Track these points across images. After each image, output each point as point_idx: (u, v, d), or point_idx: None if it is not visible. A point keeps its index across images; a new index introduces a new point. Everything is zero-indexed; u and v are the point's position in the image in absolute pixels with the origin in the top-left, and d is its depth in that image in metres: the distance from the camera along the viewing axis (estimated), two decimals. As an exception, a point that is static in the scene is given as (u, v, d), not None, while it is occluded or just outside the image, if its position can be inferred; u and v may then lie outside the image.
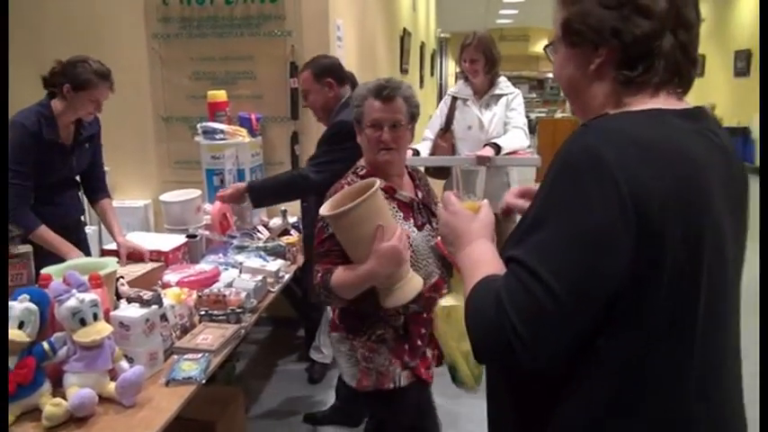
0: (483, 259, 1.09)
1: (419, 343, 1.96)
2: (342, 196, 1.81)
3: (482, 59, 3.48)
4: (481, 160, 3.31)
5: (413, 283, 1.83)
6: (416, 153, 3.63)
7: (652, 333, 0.95)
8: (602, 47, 1.03)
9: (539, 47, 16.90)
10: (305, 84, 2.84)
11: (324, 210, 1.76)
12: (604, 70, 1.04)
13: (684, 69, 1.03)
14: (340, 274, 1.81)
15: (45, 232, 2.63)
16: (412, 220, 1.95)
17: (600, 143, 0.94)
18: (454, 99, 3.68)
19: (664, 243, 0.92)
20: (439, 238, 1.90)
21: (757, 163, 9.29)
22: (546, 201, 0.96)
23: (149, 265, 2.71)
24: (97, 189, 3.00)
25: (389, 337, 1.94)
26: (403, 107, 1.92)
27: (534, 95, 19.51)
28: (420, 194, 2.03)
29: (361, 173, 1.97)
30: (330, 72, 2.84)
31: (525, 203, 1.26)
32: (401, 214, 1.93)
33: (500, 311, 0.93)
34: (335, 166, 2.48)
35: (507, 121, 3.53)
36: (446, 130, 3.70)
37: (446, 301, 1.55)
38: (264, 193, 2.85)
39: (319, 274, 1.85)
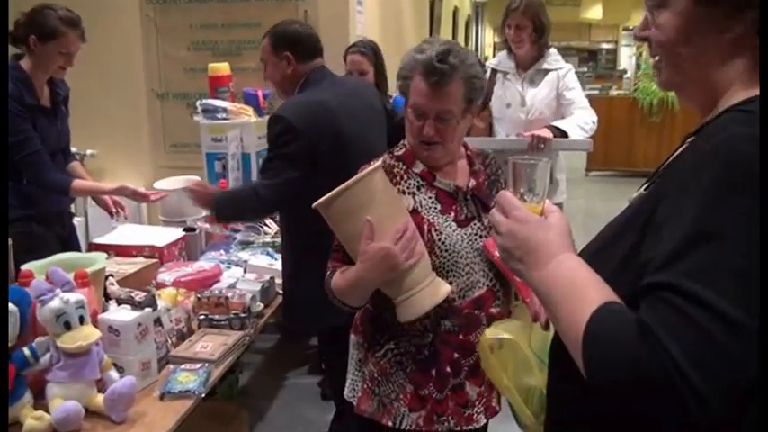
0: (582, 278, 0.97)
1: (448, 370, 1.80)
2: (347, 185, 1.68)
3: (530, 26, 3.43)
4: (536, 143, 3.23)
5: (430, 292, 1.67)
6: None
7: None
8: (747, 8, 0.92)
9: (591, 13, 16.69)
10: (263, 53, 2.67)
11: (319, 200, 1.65)
12: (744, 39, 0.94)
13: None
14: (337, 277, 1.76)
15: (81, 184, 2.83)
16: (452, 214, 1.80)
17: None
18: (494, 72, 3.65)
19: None
20: (489, 240, 1.79)
21: None
22: (712, 212, 0.86)
23: (142, 263, 2.74)
24: (67, 153, 3.08)
25: (409, 360, 1.80)
26: (459, 93, 1.72)
27: (585, 69, 19.29)
28: (473, 183, 1.85)
29: (398, 152, 1.85)
30: (289, 44, 2.61)
31: None
32: (438, 206, 1.79)
33: (653, 346, 0.83)
34: (286, 175, 2.34)
35: (566, 103, 3.47)
36: (483, 107, 3.68)
37: (496, 332, 1.44)
38: (226, 210, 2.55)
39: (327, 273, 1.81)
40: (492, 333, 1.40)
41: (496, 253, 1.70)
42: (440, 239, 1.76)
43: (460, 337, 1.78)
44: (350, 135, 2.49)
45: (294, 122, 2.39)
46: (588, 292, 0.94)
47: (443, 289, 1.69)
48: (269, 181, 2.41)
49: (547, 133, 3.28)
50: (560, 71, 3.51)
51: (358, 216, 1.61)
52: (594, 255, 1.05)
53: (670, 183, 0.95)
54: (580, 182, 9.15)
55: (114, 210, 3.05)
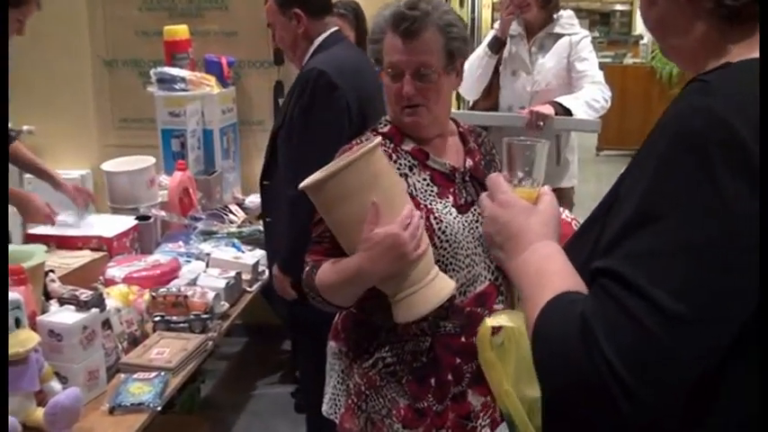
0: (551, 268, 1.03)
1: (449, 378, 1.80)
2: (336, 164, 1.67)
3: None
4: (535, 120, 3.24)
5: (435, 288, 1.65)
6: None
7: None
8: None
9: (604, -31, 16.72)
10: (269, 15, 2.78)
11: (306, 180, 1.64)
12: (698, 1, 1.00)
13: None
14: (326, 270, 1.71)
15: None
16: (450, 198, 1.80)
17: (732, 112, 0.88)
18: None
19: None
20: None
21: None
22: (654, 190, 0.91)
23: (88, 256, 2.73)
24: None
25: (405, 369, 1.79)
26: (436, 43, 1.74)
27: (597, 34, 19.32)
28: (470, 163, 1.87)
29: (382, 129, 1.85)
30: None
31: None
32: (434, 189, 1.79)
33: (590, 345, 0.88)
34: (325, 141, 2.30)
35: (577, 75, 3.46)
36: (496, 72, 3.67)
37: (498, 320, 1.43)
38: (291, 258, 2.40)
39: (306, 268, 1.77)
40: (493, 321, 1.39)
41: None
42: (439, 228, 1.75)
43: (462, 339, 1.78)
44: (370, 108, 2.57)
45: (335, 79, 2.46)
46: (553, 283, 0.99)
47: (449, 285, 1.68)
48: (307, 154, 2.35)
49: (548, 110, 3.28)
50: (573, 37, 3.50)
51: (356, 199, 1.59)
52: (573, 242, 1.09)
53: (635, 157, 1.00)
54: (590, 162, 9.20)
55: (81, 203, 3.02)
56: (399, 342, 1.78)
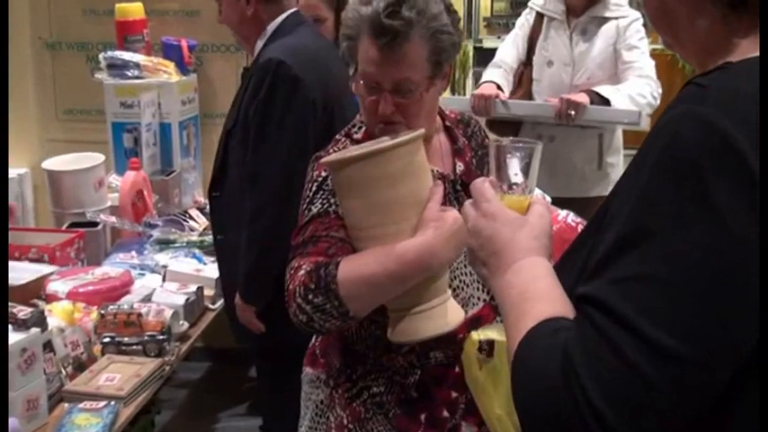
0: (536, 291, 1.03)
1: (444, 414, 1.79)
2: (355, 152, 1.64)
3: None
4: (565, 109, 3.20)
5: (448, 311, 1.64)
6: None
7: None
8: None
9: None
10: None
11: (331, 157, 1.62)
12: None
13: None
14: (362, 260, 1.61)
15: None
16: None
17: (726, 120, 0.89)
18: (539, 17, 3.58)
19: None
20: None
21: None
22: (643, 208, 0.91)
23: (27, 268, 2.73)
24: None
25: (392, 401, 1.78)
26: (420, 54, 1.68)
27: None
28: (461, 167, 1.85)
29: (357, 135, 1.82)
30: None
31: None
32: None
33: (570, 377, 0.89)
34: (290, 144, 2.38)
35: (623, 66, 3.41)
36: (527, 62, 3.62)
37: (486, 333, 1.41)
38: (252, 282, 2.53)
39: (301, 272, 1.63)
40: (481, 334, 1.39)
41: None
42: None
43: (456, 370, 1.78)
44: (337, 104, 2.55)
45: (297, 71, 2.43)
46: (537, 308, 1.00)
47: (460, 313, 1.66)
48: (269, 160, 2.38)
49: (582, 98, 3.23)
50: (621, 21, 3.45)
51: (417, 177, 1.61)
52: (564, 260, 1.10)
53: (627, 169, 1.00)
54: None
55: None
56: (386, 372, 1.78)
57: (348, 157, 1.59)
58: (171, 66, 3.75)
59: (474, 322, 1.75)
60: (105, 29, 3.91)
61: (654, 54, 11.60)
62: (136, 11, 3.81)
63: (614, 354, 0.87)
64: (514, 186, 1.17)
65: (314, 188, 1.75)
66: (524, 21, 3.66)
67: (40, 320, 2.07)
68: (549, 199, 1.92)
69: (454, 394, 1.80)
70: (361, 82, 1.72)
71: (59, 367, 2.19)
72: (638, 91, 3.31)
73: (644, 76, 3.38)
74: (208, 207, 3.33)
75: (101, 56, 3.71)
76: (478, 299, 1.80)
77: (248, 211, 2.37)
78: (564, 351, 0.91)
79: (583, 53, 3.44)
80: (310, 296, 1.59)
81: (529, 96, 3.56)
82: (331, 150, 1.79)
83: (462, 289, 1.77)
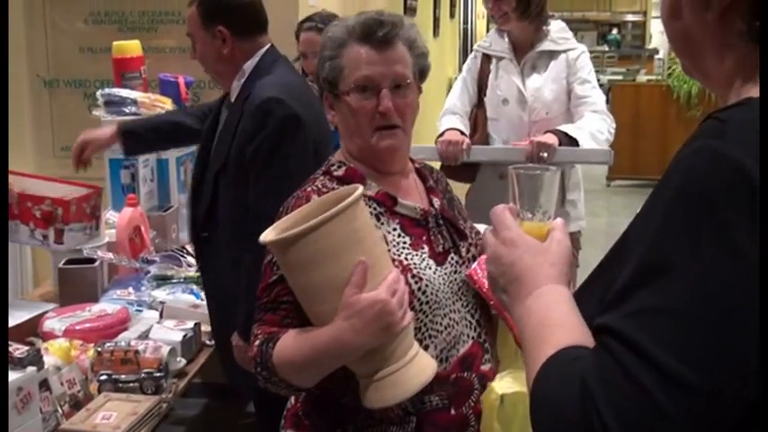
0: (555, 318, 1.05)
1: None
2: (302, 215, 1.63)
3: None
4: (537, 151, 3.21)
5: (416, 370, 1.60)
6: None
7: None
8: None
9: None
10: (190, 25, 2.70)
11: (268, 234, 1.59)
12: (729, 21, 1.01)
13: None
14: (288, 343, 1.63)
15: None
16: (426, 248, 1.78)
17: (743, 154, 0.90)
18: (487, 58, 3.64)
19: None
20: (473, 269, 1.78)
21: None
22: (662, 241, 0.93)
23: (25, 306, 2.71)
24: None
25: None
26: (407, 56, 1.79)
27: (606, 48, 19.60)
28: (437, 203, 1.87)
29: (337, 173, 1.81)
30: (223, 15, 2.61)
31: None
32: (406, 240, 1.77)
33: (588, 408, 0.90)
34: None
35: (578, 101, 3.44)
36: (479, 104, 3.65)
37: (506, 384, 1.42)
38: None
39: (256, 342, 1.68)
40: (502, 386, 1.39)
41: (486, 282, 1.69)
42: (419, 288, 1.71)
43: (452, 412, 1.73)
44: (323, 142, 2.55)
45: (297, 110, 2.44)
46: (556, 336, 1.01)
47: (431, 364, 1.64)
48: (275, 203, 2.31)
49: (551, 139, 3.26)
50: (570, 53, 3.47)
51: (336, 260, 1.54)
52: (583, 289, 1.12)
53: (648, 199, 1.02)
54: (600, 194, 9.28)
55: None
56: (378, 427, 1.71)
57: (278, 239, 1.56)
58: (168, 102, 3.76)
59: (464, 360, 1.76)
60: (102, 66, 3.94)
61: (648, 85, 11.66)
62: (133, 48, 3.83)
63: (630, 382, 0.89)
64: (532, 213, 1.19)
65: None
66: (471, 65, 3.70)
67: (36, 359, 2.06)
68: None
69: None
70: (353, 90, 1.76)
71: (56, 406, 2.17)
72: (596, 128, 3.35)
73: (598, 111, 3.43)
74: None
75: (98, 93, 3.73)
76: (468, 336, 1.78)
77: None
78: (582, 378, 0.92)
79: (537, 89, 3.47)
80: (259, 368, 1.67)
81: (486, 138, 3.59)
82: (308, 189, 1.78)
83: (453, 327, 1.76)
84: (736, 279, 0.88)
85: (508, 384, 1.46)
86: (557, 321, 1.05)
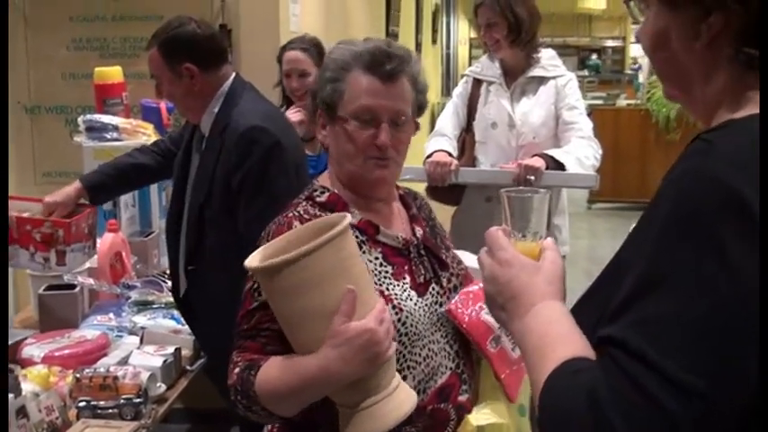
0: (554, 333, 1.08)
1: None
2: (287, 241, 1.62)
3: (503, 24, 3.41)
4: (524, 174, 3.24)
5: (397, 401, 1.59)
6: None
7: None
8: (716, 12, 1.04)
9: (591, 2, 17.15)
10: (152, 67, 2.72)
11: (252, 260, 1.57)
12: (718, 47, 1.06)
13: None
14: (271, 371, 1.60)
15: None
16: (408, 278, 1.77)
17: (734, 175, 0.95)
18: (477, 83, 3.66)
19: None
20: (454, 300, 1.79)
21: None
22: (659, 256, 0.98)
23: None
24: None
25: None
26: (409, 92, 1.78)
27: (587, 73, 19.75)
28: (420, 233, 1.86)
29: (320, 198, 1.79)
30: (188, 53, 2.63)
31: None
32: (388, 269, 1.75)
33: (598, 418, 0.94)
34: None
35: (565, 126, 3.47)
36: (468, 129, 3.68)
37: (480, 417, 1.43)
38: None
39: (236, 370, 1.64)
40: (479, 419, 1.40)
41: (466, 318, 1.74)
42: (399, 319, 1.69)
43: None
44: (303, 165, 2.54)
45: (280, 137, 2.45)
46: (557, 350, 1.05)
47: (411, 396, 1.63)
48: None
49: (538, 162, 3.28)
50: (559, 80, 3.51)
51: (322, 288, 1.52)
52: (581, 304, 1.14)
53: (642, 217, 1.07)
54: (582, 217, 9.32)
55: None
56: None
57: (265, 265, 1.54)
58: (150, 128, 3.76)
59: (442, 391, 1.75)
60: (84, 92, 3.94)
61: (628, 109, 11.77)
62: (114, 74, 3.83)
63: (639, 392, 0.93)
64: (525, 233, 1.23)
65: None
66: (462, 89, 3.75)
67: (13, 386, 2.03)
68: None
69: None
70: (352, 118, 1.73)
71: (33, 433, 2.14)
72: (583, 153, 3.38)
73: (585, 137, 3.45)
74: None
75: (80, 119, 3.72)
76: (446, 367, 1.77)
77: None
78: (589, 390, 0.96)
79: (525, 114, 3.51)
80: (239, 397, 1.64)
81: (473, 161, 3.62)
82: (290, 215, 1.75)
83: (432, 358, 1.75)
84: (733, 290, 0.92)
85: (485, 417, 1.48)
86: (557, 336, 1.08)
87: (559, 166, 3.30)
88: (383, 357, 1.56)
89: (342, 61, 1.76)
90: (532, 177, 3.23)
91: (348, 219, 1.57)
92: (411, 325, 1.72)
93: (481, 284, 1.75)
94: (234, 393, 1.65)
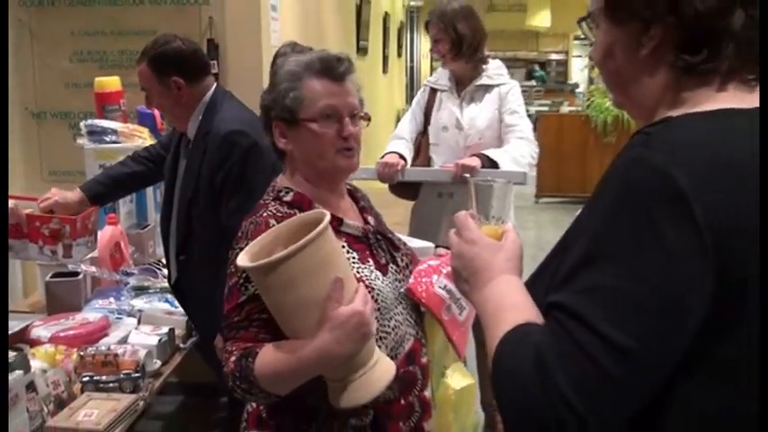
0: (510, 301, 1.12)
1: None
2: (270, 239, 1.61)
3: (446, 39, 3.43)
4: (460, 172, 3.26)
5: (380, 372, 1.62)
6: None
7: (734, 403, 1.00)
8: (655, 25, 1.07)
9: (538, 20, 17.24)
10: (143, 80, 2.71)
11: (244, 259, 1.55)
12: (659, 55, 1.08)
13: (757, 54, 1.07)
14: (269, 356, 1.58)
15: None
16: (371, 262, 1.79)
17: (670, 163, 0.98)
18: (433, 91, 3.68)
19: (746, 296, 0.97)
20: (411, 280, 1.83)
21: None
22: (603, 234, 1.00)
23: (15, 317, 2.66)
24: None
25: None
26: (355, 90, 1.83)
27: (534, 83, 19.87)
28: (372, 221, 1.89)
29: (286, 198, 1.78)
30: (175, 67, 2.65)
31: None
32: (355, 255, 1.76)
33: (545, 377, 0.96)
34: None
35: (506, 129, 3.48)
36: (424, 132, 3.70)
37: (457, 380, 1.47)
38: None
39: (232, 358, 1.62)
40: (454, 382, 1.44)
41: (424, 294, 1.80)
42: (373, 297, 1.69)
43: (402, 402, 1.76)
44: (278, 163, 2.53)
45: (258, 139, 2.42)
46: (511, 315, 1.08)
47: (391, 366, 1.65)
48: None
49: (474, 162, 3.29)
50: (503, 87, 3.53)
51: (312, 280, 1.52)
52: (534, 277, 1.17)
53: (589, 201, 1.10)
54: (530, 209, 9.36)
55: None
56: (338, 420, 1.70)
57: (261, 264, 1.52)
58: (145, 132, 3.73)
59: (409, 355, 1.78)
60: (86, 100, 3.90)
61: (570, 115, 11.85)
62: (113, 84, 3.80)
63: (579, 349, 0.96)
64: (489, 218, 1.28)
65: None
66: (420, 97, 3.77)
67: (23, 363, 2.02)
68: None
69: (400, 425, 1.77)
70: (320, 119, 1.74)
71: (42, 405, 2.13)
72: (520, 152, 3.40)
73: (524, 138, 3.47)
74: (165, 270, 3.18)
75: (82, 124, 3.68)
76: (410, 334, 1.80)
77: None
78: (536, 349, 0.99)
79: (472, 118, 3.52)
80: (238, 382, 1.61)
81: (428, 161, 3.65)
82: (264, 214, 1.74)
83: (399, 328, 1.78)
84: (666, 264, 0.95)
85: (458, 380, 1.52)
86: (511, 304, 1.11)
87: (494, 164, 3.31)
88: (371, 335, 1.59)
89: (294, 71, 1.77)
90: (468, 175, 3.22)
91: (328, 214, 1.57)
92: (381, 301, 1.73)
93: (429, 263, 1.82)
94: (232, 380, 1.62)
